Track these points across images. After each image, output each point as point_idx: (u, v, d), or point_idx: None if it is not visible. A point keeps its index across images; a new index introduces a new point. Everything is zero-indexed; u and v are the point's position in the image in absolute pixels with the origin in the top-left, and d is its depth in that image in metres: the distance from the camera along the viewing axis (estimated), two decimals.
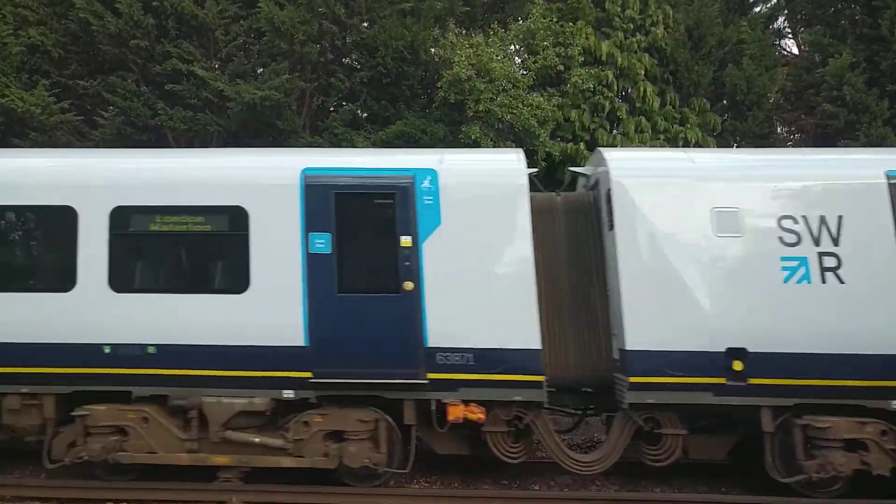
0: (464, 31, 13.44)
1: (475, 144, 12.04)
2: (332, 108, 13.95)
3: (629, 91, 13.62)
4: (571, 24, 13.57)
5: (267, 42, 12.94)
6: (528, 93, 12.76)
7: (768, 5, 15.62)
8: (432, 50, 13.80)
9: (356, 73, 13.36)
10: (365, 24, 13.41)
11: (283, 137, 12.55)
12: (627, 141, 12.82)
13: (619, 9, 13.70)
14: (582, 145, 13.07)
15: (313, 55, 12.95)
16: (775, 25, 15.58)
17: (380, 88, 13.40)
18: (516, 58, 14.02)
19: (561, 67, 13.19)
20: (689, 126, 13.10)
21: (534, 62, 13.21)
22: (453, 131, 12.82)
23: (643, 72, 13.35)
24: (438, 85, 13.09)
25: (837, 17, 13.46)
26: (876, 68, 12.76)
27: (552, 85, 13.47)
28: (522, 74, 13.16)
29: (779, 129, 14.16)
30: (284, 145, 12.28)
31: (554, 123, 13.03)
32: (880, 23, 12.66)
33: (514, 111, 12.31)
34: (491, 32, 13.43)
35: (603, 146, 13.00)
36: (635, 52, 13.48)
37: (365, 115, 13.77)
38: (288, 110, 12.52)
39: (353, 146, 12.11)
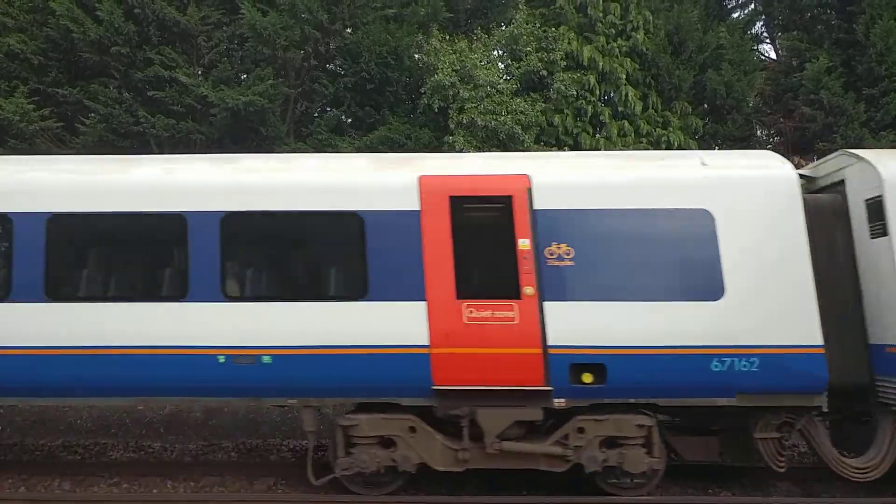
0: (447, 37, 13.52)
1: (459, 152, 12.10)
2: (315, 114, 13.96)
3: (612, 95, 13.76)
4: (554, 28, 13.71)
5: (250, 48, 12.91)
6: (512, 98, 12.86)
7: (746, 11, 15.89)
8: (416, 56, 13.87)
9: (340, 78, 13.38)
10: (348, 30, 13.44)
11: (267, 144, 12.52)
12: (611, 144, 12.95)
13: (600, 14, 13.84)
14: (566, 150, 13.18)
15: (297, 61, 12.95)
16: (753, 31, 15.84)
17: (364, 94, 13.42)
18: (500, 63, 14.12)
19: (544, 72, 13.31)
20: (671, 129, 13.26)
21: (517, 68, 13.32)
22: (438, 137, 12.87)
23: (625, 76, 13.50)
24: (422, 91, 13.15)
25: (814, 22, 13.73)
26: (852, 72, 13.02)
27: (535, 90, 13.58)
28: (506, 80, 13.27)
29: (758, 132, 14.38)
30: (269, 151, 12.25)
31: (538, 128, 13.13)
32: (856, 28, 12.93)
33: (498, 118, 12.39)
34: (474, 38, 13.52)
35: (586, 150, 13.17)
36: (617, 57, 13.63)
37: (349, 120, 13.78)
38: (272, 116, 12.49)
39: (337, 151, 12.10)
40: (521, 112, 12.67)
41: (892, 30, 12.55)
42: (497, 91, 12.81)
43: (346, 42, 13.24)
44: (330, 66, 14.06)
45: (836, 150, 11.55)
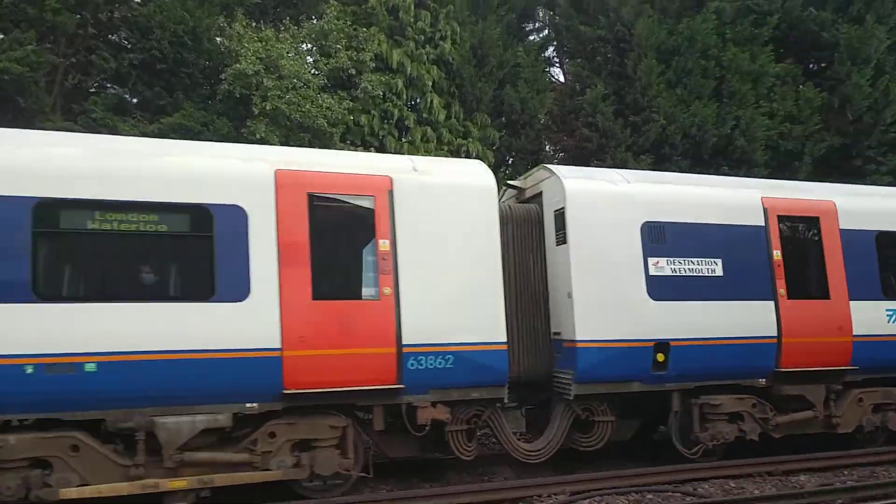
0: (253, 24, 12.85)
1: (262, 142, 11.56)
2: (92, 90, 12.39)
3: (418, 101, 14.13)
4: (365, 28, 13.70)
5: (9, 5, 11.06)
6: (319, 93, 12.61)
7: (541, 35, 17.34)
8: (217, 39, 13.00)
9: (125, 53, 12.03)
10: (138, 0, 12.14)
11: (26, 117, 10.82)
12: (414, 149, 13.27)
13: (411, 19, 14.14)
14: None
15: (70, 26, 11.37)
16: (546, 54, 17.33)
17: (153, 73, 12.23)
18: (308, 57, 13.78)
19: (353, 71, 13.25)
20: (471, 139, 13.97)
21: (326, 63, 13.09)
22: (237, 126, 12.18)
23: (431, 83, 13.94)
24: (223, 77, 12.35)
25: (594, 53, 15.38)
26: (622, 101, 14.82)
27: (343, 88, 13.47)
28: (314, 74, 12.98)
29: (547, 147, 15.74)
30: (29, 126, 10.58)
31: (344, 126, 13.03)
32: (626, 62, 14.74)
33: (303, 110, 12.07)
34: (282, 28, 13.03)
35: (391, 153, 13.37)
36: (425, 63, 14.02)
37: (135, 100, 12.47)
38: (34, 86, 10.82)
39: (117, 133, 10.87)
40: (328, 108, 12.48)
41: (654, 68, 14.53)
42: (304, 84, 12.49)
43: (135, 14, 11.95)
44: (113, 38, 12.59)
45: (608, 167, 13.13)
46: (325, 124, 12.30)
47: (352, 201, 6.82)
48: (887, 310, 8.63)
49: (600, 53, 15.23)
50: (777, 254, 8.18)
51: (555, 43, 17.07)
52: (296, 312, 6.37)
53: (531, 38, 17.13)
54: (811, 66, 16.56)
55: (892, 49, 15.73)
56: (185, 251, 6.36)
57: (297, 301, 6.40)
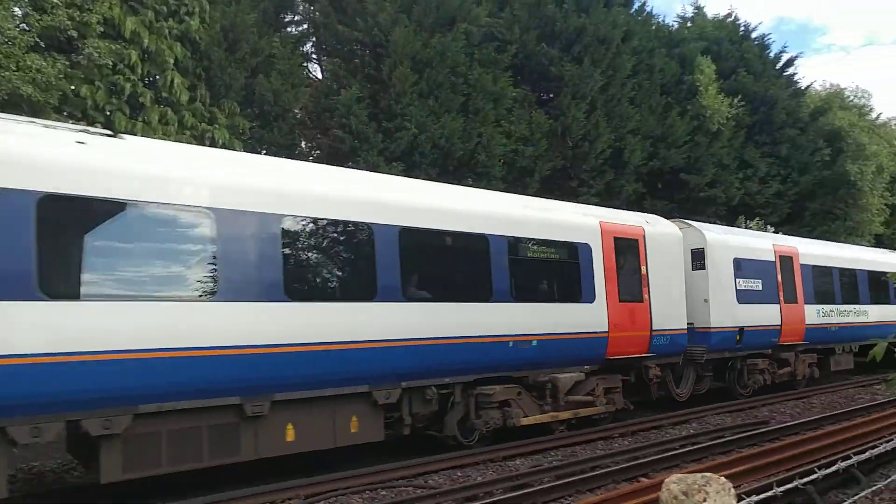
0: None
1: None
2: None
3: (157, 78, 12.74)
4: None
5: None
6: (27, 53, 10.60)
7: (299, 29, 16.91)
8: None
9: None
10: None
11: None
12: (150, 131, 11.92)
13: None
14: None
15: None
16: (304, 49, 16.94)
17: None
18: (16, 8, 11.55)
19: (74, 33, 11.45)
20: (217, 126, 13.01)
21: (38, 20, 11.08)
22: None
23: (173, 61, 12.69)
24: None
25: (351, 54, 15.47)
26: (377, 105, 15.14)
27: (62, 51, 11.54)
28: (21, 30, 10.88)
29: (302, 143, 15.36)
30: None
31: (60, 94, 11.14)
32: (382, 68, 15.08)
33: (3, 75, 10.01)
34: None
35: (122, 132, 11.77)
36: (166, 38, 12.71)
37: None
38: None
39: None
40: (38, 70, 10.54)
41: (408, 76, 15.12)
42: (8, 41, 10.38)
43: None
44: None
45: (360, 169, 13.24)
46: (33, 90, 10.37)
47: (630, 242, 11.21)
48: (817, 309, 15.34)
49: (357, 55, 15.37)
50: (779, 276, 14.26)
51: (314, 39, 16.77)
52: (613, 310, 10.65)
53: (289, 29, 16.61)
54: (542, 95, 18.80)
55: (604, 90, 18.60)
56: (566, 271, 10.36)
57: (613, 303, 10.67)
